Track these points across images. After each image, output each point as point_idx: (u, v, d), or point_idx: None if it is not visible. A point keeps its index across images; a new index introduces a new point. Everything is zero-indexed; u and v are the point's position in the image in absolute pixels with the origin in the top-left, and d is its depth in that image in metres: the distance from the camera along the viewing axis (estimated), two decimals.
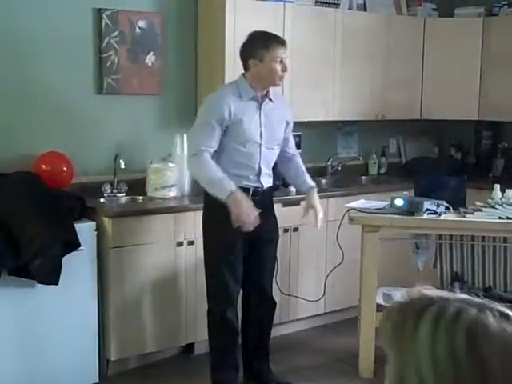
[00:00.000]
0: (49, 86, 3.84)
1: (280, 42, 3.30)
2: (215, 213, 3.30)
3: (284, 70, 3.28)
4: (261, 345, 3.58)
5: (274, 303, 3.60)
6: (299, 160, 3.68)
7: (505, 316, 0.97)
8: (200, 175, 3.30)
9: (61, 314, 3.45)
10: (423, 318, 0.97)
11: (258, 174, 3.35)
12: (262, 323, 3.56)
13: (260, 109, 3.33)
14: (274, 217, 3.55)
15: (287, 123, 3.52)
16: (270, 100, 3.37)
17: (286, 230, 4.20)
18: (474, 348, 0.93)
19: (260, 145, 3.32)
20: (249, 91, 3.29)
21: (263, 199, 3.38)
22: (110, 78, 4.01)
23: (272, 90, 3.39)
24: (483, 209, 3.58)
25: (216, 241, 3.34)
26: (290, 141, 3.64)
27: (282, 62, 3.26)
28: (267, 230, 3.43)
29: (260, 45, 3.24)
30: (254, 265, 3.44)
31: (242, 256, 3.37)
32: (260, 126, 3.32)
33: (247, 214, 3.16)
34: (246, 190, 3.29)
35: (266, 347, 3.60)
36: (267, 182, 3.43)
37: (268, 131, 3.35)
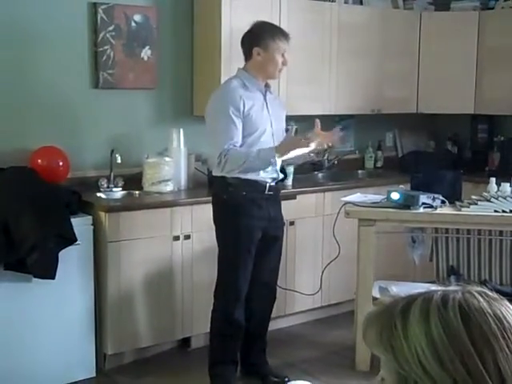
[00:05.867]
0: (44, 80, 3.83)
1: (285, 35, 3.32)
2: (237, 207, 3.26)
3: (285, 63, 3.31)
4: (259, 338, 3.59)
5: (275, 297, 3.61)
6: None
7: (484, 294, 1.01)
8: (242, 164, 3.18)
9: (57, 308, 3.45)
10: (410, 312, 0.98)
11: (275, 163, 3.32)
12: (263, 317, 3.57)
13: (265, 99, 3.35)
14: (282, 215, 3.56)
15: (284, 114, 3.57)
16: (270, 92, 3.42)
17: None
18: (469, 321, 0.95)
19: (272, 134, 3.34)
20: (254, 82, 3.31)
21: (276, 193, 3.40)
22: (105, 72, 4.00)
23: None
24: (479, 202, 3.59)
25: (237, 236, 3.28)
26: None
27: (283, 55, 3.29)
28: (278, 226, 3.46)
29: (267, 35, 3.26)
30: (260, 261, 3.42)
31: (254, 251, 3.36)
32: (269, 116, 3.35)
33: (302, 142, 3.21)
34: (261, 185, 3.28)
35: (263, 340, 3.61)
36: (279, 173, 3.43)
37: (275, 121, 3.38)
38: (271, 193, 3.33)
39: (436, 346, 0.95)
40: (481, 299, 0.99)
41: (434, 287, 1.06)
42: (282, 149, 3.19)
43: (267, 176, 3.33)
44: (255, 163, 3.19)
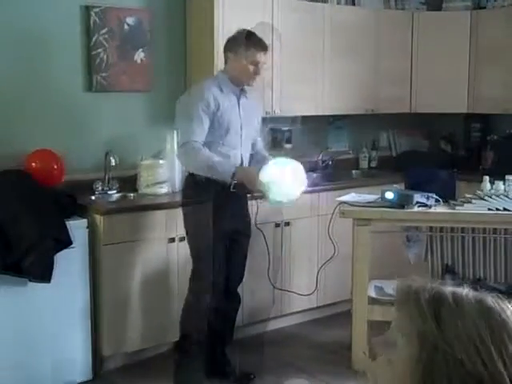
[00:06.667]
0: (38, 84, 3.83)
1: (261, 46, 3.37)
2: (202, 203, 3.35)
3: (256, 73, 3.36)
4: (224, 338, 3.62)
5: (239, 300, 3.66)
6: (261, 145, 3.70)
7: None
8: (196, 163, 3.28)
9: (53, 311, 3.45)
10: (463, 297, 1.01)
11: (241, 164, 3.41)
12: (225, 314, 3.59)
13: (238, 101, 3.42)
14: (249, 212, 3.62)
15: (258, 119, 3.60)
16: (245, 95, 3.47)
17: (277, 225, 4.22)
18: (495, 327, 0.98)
19: (241, 136, 3.41)
20: (228, 84, 3.39)
21: (242, 191, 3.41)
22: (99, 75, 4.00)
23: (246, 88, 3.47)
24: (473, 201, 3.60)
25: (203, 229, 3.36)
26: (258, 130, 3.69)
27: (256, 65, 3.34)
28: (245, 224, 3.53)
29: (242, 43, 3.34)
30: (228, 259, 3.48)
31: (225, 245, 3.43)
32: (240, 118, 3.41)
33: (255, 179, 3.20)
34: (226, 184, 3.32)
35: (228, 340, 3.65)
36: None
37: (247, 123, 3.44)
38: (236, 190, 3.35)
39: (486, 339, 0.97)
40: (470, 293, 1.02)
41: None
42: (242, 176, 3.23)
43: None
44: (211, 173, 3.25)
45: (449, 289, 1.02)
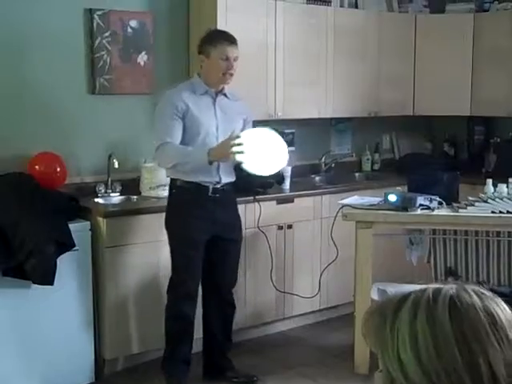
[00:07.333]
0: (41, 87, 3.83)
1: (228, 40, 3.36)
2: (179, 207, 3.38)
3: (229, 67, 3.34)
4: (221, 343, 3.62)
5: (233, 308, 3.62)
6: None
7: (478, 291, 1.00)
8: (173, 158, 3.31)
9: (56, 314, 3.45)
10: (401, 311, 0.98)
11: (217, 167, 3.37)
12: (223, 317, 3.59)
13: (214, 103, 3.40)
14: (238, 216, 3.58)
15: (245, 120, 3.54)
16: (226, 96, 3.44)
17: (280, 228, 4.21)
18: (458, 315, 0.95)
19: (217, 137, 3.37)
20: (201, 86, 3.39)
21: (224, 196, 3.40)
22: (102, 78, 4.01)
23: (227, 88, 3.45)
24: (476, 203, 3.59)
25: (179, 235, 3.39)
26: None
27: (227, 59, 3.32)
28: (230, 229, 3.47)
29: (208, 41, 3.36)
30: (215, 265, 3.48)
31: (202, 253, 3.42)
32: (216, 119, 3.39)
33: (228, 146, 3.16)
34: (204, 188, 3.33)
35: (227, 344, 3.64)
36: (227, 177, 3.43)
37: (224, 125, 3.40)
38: (217, 195, 3.35)
39: (417, 340, 0.94)
40: (473, 295, 0.98)
41: (431, 285, 1.05)
42: (214, 151, 3.22)
43: (208, 180, 3.37)
44: (186, 161, 3.26)
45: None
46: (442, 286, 1.01)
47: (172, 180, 3.44)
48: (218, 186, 3.38)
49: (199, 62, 3.43)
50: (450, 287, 1.00)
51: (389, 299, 1.03)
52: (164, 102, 3.39)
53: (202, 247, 3.41)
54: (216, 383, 3.61)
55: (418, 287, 1.03)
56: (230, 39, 3.36)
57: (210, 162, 3.25)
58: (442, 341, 0.93)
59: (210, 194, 3.35)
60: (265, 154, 3.22)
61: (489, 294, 1.01)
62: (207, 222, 3.36)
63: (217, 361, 3.64)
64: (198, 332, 3.70)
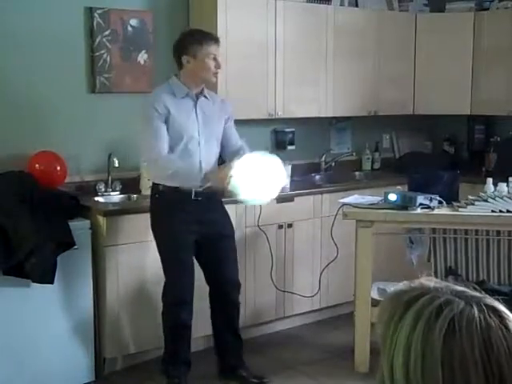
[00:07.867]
0: (41, 85, 3.83)
1: (213, 39, 3.34)
2: (163, 212, 3.35)
3: (218, 66, 3.33)
4: (232, 339, 3.59)
5: (235, 306, 3.57)
6: (246, 147, 3.59)
7: (492, 309, 0.94)
8: (167, 174, 3.27)
9: (56, 312, 3.45)
10: (407, 313, 0.96)
11: (200, 170, 3.32)
12: (230, 316, 3.57)
13: (195, 105, 3.36)
14: (225, 212, 3.53)
15: (227, 119, 3.51)
16: (206, 97, 3.40)
17: (280, 227, 4.22)
18: (452, 340, 0.91)
19: (199, 142, 3.34)
20: (182, 89, 3.34)
21: (207, 197, 3.35)
22: (102, 76, 4.01)
23: (207, 90, 3.42)
24: (476, 202, 3.59)
25: (166, 240, 3.37)
26: (234, 133, 3.57)
27: (215, 58, 3.31)
28: (219, 226, 3.45)
29: (194, 41, 3.29)
30: (214, 264, 3.47)
31: (193, 254, 3.40)
32: (197, 122, 3.35)
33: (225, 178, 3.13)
34: (187, 193, 3.30)
35: (237, 343, 3.60)
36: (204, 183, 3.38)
37: (206, 127, 3.37)
38: (199, 198, 3.32)
39: (409, 352, 0.92)
40: (481, 317, 0.92)
41: (456, 286, 1.00)
42: (212, 181, 3.22)
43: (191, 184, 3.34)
44: (181, 179, 3.25)
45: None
46: (454, 298, 0.95)
47: (154, 184, 3.38)
48: (201, 189, 3.33)
49: (180, 63, 3.34)
50: (460, 303, 0.94)
51: (405, 291, 1.00)
52: (145, 109, 3.33)
53: (192, 249, 3.39)
54: (217, 383, 3.61)
55: (439, 282, 1.01)
56: (215, 38, 3.35)
57: (201, 185, 3.24)
58: (430, 361, 0.90)
59: (192, 197, 3.31)
60: (261, 183, 3.14)
61: (506, 314, 0.94)
62: (192, 223, 3.32)
63: (228, 360, 3.61)
64: (198, 332, 3.71)
